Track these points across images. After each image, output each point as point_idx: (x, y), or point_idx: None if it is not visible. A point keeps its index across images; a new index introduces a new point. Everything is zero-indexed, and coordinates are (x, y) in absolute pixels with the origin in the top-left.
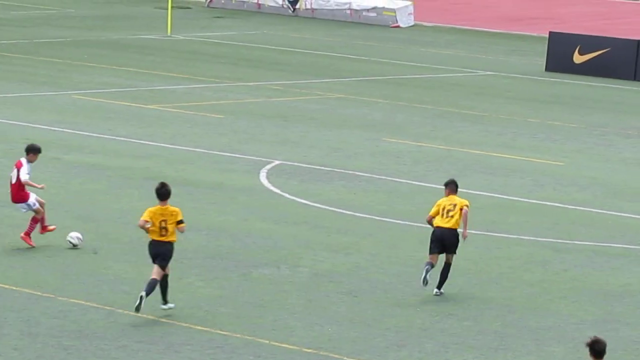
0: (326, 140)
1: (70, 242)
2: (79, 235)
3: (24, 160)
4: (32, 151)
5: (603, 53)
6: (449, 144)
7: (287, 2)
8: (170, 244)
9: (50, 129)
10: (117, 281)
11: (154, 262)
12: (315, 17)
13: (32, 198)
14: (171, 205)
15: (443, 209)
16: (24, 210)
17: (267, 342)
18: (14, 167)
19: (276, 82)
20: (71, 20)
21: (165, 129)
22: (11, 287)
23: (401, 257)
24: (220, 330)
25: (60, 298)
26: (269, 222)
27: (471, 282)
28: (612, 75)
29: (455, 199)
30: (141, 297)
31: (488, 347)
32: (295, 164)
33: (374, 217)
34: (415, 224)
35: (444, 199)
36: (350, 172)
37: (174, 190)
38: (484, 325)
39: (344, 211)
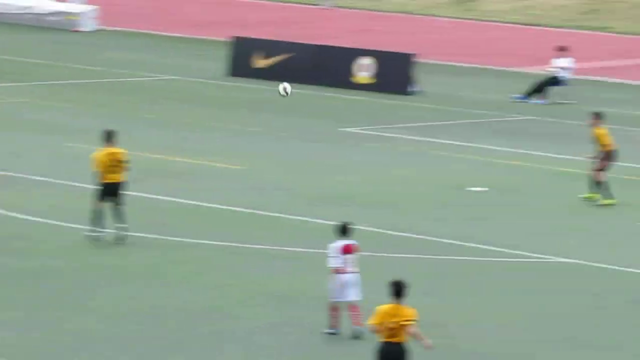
0: (6, 144)
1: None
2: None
3: None
4: None
5: (285, 58)
6: (131, 148)
7: None
8: None
9: None
10: None
11: None
12: None
13: None
14: None
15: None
16: None
17: None
18: None
19: None
20: None
21: None
22: None
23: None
24: None
25: None
26: None
27: (148, 287)
28: (294, 80)
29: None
30: None
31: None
32: None
33: (50, 221)
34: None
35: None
36: (28, 176)
37: None
38: (155, 332)
39: (19, 215)
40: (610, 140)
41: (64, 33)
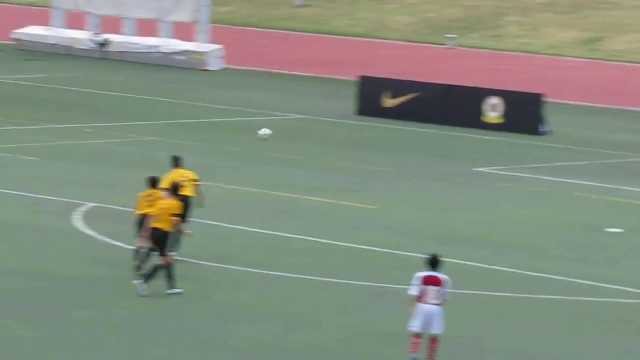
0: (140, 182)
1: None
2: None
3: None
4: None
5: (413, 97)
6: (262, 188)
7: (95, 45)
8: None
9: None
10: None
11: None
12: (125, 60)
13: None
14: None
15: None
16: None
17: None
18: None
19: (89, 125)
20: None
21: None
22: None
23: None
24: None
25: None
26: (86, 266)
27: (288, 326)
28: (422, 119)
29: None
30: None
31: None
32: (110, 206)
33: (188, 259)
34: (230, 267)
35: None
36: None
37: None
38: None
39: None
40: None
41: (192, 72)
